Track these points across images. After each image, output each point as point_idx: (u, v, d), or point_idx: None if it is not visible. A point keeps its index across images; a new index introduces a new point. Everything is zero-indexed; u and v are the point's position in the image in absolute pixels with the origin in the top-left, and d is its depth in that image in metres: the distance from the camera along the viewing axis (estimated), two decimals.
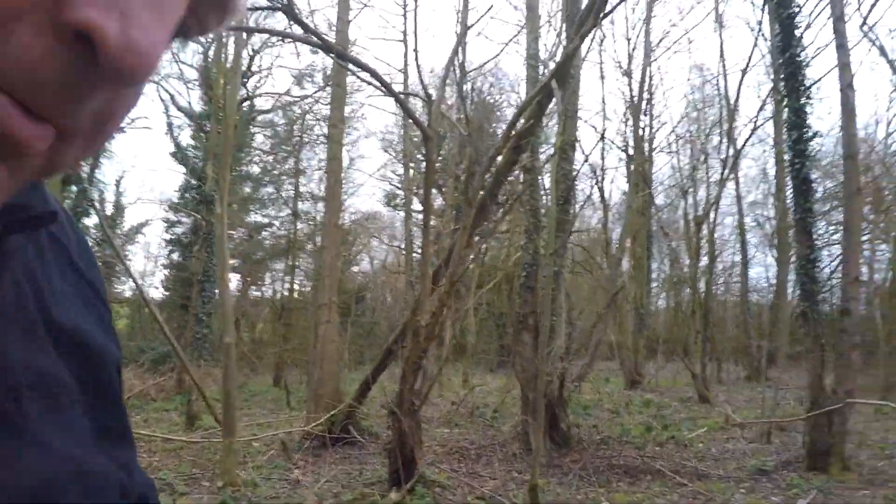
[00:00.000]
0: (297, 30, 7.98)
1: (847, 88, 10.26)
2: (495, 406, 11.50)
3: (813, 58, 13.70)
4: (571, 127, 11.38)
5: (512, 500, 7.96)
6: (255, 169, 25.00)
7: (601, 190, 19.81)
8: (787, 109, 10.33)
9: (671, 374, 19.61)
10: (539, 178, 11.91)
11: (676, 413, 13.81)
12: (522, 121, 7.82)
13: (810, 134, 10.12)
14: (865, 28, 19.27)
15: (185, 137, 23.11)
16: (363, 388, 10.57)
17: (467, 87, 18.04)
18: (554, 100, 7.39)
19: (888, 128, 30.75)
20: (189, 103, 22.01)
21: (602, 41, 24.12)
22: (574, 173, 11.21)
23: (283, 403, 15.63)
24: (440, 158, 20.44)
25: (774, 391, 12.73)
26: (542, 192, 11.70)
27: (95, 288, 0.64)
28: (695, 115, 25.48)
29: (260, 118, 24.46)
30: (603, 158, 21.42)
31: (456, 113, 16.34)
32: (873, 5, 17.55)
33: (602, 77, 28.95)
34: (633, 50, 22.64)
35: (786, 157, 10.83)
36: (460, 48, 11.44)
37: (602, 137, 17.86)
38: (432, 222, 9.45)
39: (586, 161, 14.16)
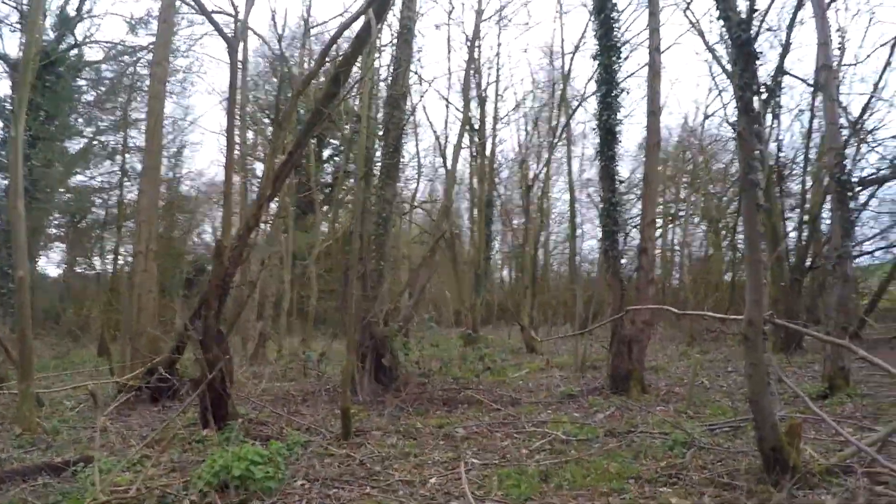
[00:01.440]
0: None
1: (654, 51, 11.21)
2: (321, 351, 11.48)
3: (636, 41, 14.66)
4: (405, 77, 11.54)
5: (329, 429, 8.04)
6: (80, 122, 22.98)
7: (444, 157, 20.28)
8: (597, 66, 11.11)
9: (507, 334, 20.66)
10: (373, 127, 12.01)
11: (504, 360, 14.51)
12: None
13: (617, 90, 10.96)
14: (688, 13, 21.22)
15: (4, 87, 20.84)
16: (179, 339, 10.10)
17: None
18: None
19: (706, 111, 33.97)
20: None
21: (450, 12, 24.64)
22: (403, 122, 11.37)
23: (107, 371, 14.67)
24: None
25: (587, 338, 13.76)
26: (377, 139, 11.82)
27: None
28: (537, 93, 26.71)
29: (90, 70, 22.48)
30: (446, 125, 21.86)
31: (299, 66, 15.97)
32: None
33: (449, 49, 29.55)
34: (482, 21, 23.18)
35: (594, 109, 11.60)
36: None
37: (446, 101, 18.20)
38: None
39: (414, 111, 14.40)
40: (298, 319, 18.95)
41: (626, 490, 5.02)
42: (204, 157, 61.23)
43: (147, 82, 21.55)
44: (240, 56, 16.82)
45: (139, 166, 22.57)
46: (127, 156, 22.77)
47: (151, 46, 20.55)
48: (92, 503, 4.84)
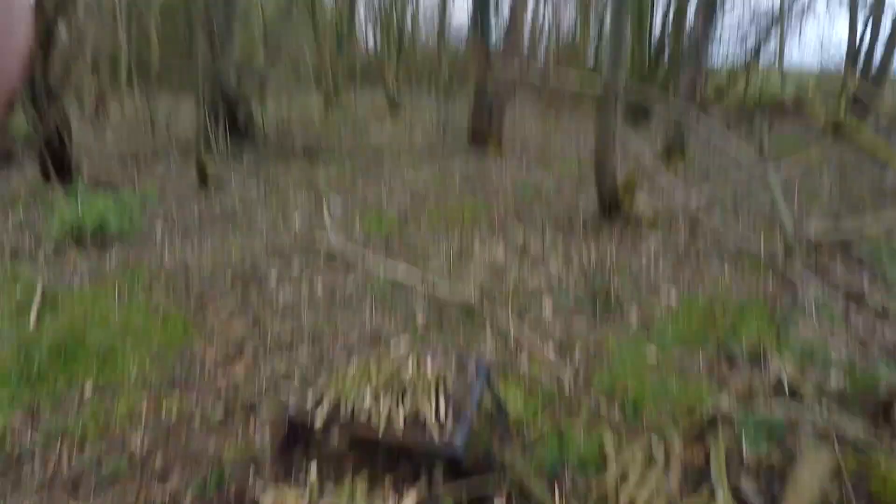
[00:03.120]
0: None
1: None
2: (168, 111, 10.72)
3: None
4: None
5: (184, 180, 7.78)
6: None
7: None
8: None
9: (370, 98, 20.19)
10: None
11: (364, 122, 14.33)
12: None
13: None
14: None
15: None
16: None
17: None
18: None
19: None
20: None
21: None
22: None
23: None
24: None
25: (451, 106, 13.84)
26: None
27: None
28: None
29: None
30: None
31: None
32: None
33: None
34: None
35: None
36: None
37: None
38: None
39: None
40: (140, 77, 17.18)
41: (479, 222, 5.42)
42: None
43: None
44: None
45: None
46: None
47: None
48: None
